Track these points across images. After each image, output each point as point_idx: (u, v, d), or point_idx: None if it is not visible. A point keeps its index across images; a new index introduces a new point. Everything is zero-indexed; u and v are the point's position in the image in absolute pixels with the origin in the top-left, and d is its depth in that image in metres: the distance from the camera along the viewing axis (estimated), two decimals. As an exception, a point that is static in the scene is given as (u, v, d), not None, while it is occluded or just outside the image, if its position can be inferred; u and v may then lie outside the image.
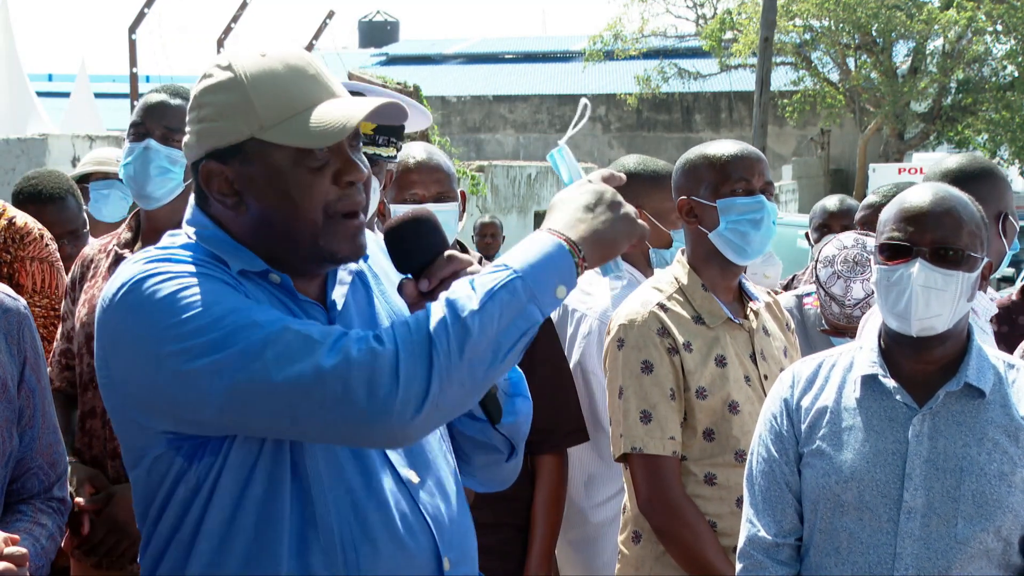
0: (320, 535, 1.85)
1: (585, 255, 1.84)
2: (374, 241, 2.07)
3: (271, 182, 1.86)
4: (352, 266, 2.02)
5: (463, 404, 1.80)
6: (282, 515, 1.85)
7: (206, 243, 1.91)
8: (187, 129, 1.93)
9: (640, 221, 1.93)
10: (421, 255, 1.92)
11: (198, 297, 1.78)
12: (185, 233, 1.95)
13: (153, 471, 1.89)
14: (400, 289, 1.94)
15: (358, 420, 1.72)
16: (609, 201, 1.90)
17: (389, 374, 1.70)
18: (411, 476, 1.95)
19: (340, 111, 1.85)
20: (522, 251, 1.83)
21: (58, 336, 3.34)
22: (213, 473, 1.85)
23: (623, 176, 1.98)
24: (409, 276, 1.94)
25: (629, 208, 1.92)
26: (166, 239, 1.96)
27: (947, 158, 3.16)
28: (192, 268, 1.83)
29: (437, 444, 2.04)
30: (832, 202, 5.34)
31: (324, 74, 1.91)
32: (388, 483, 1.91)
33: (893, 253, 2.43)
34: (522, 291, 1.78)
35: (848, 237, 3.76)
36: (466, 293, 1.76)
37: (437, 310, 1.75)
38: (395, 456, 1.95)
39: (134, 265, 1.86)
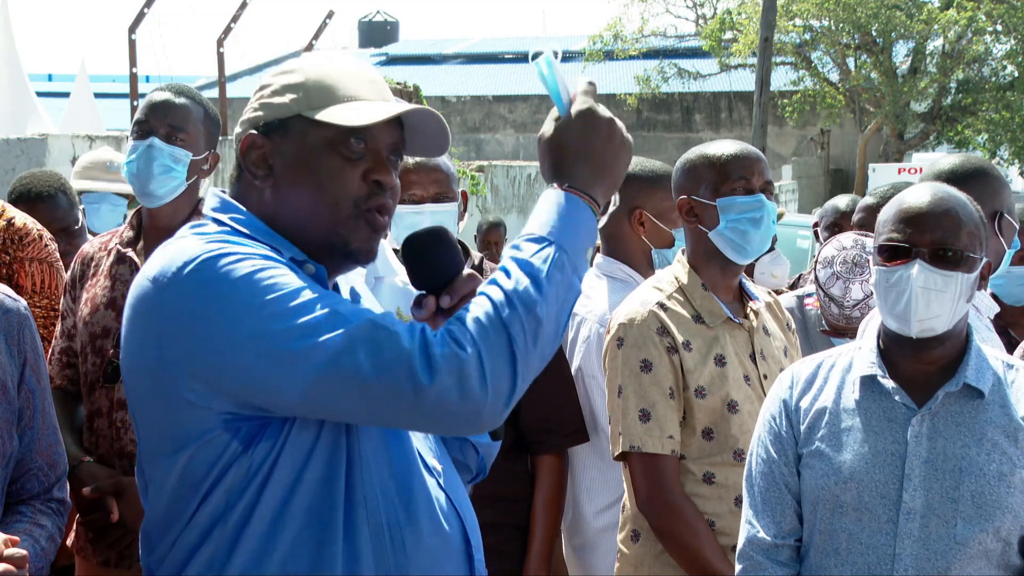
0: (368, 516, 1.87)
1: (603, 208, 1.90)
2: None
3: (303, 160, 1.92)
4: (351, 275, 2.06)
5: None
6: (337, 498, 1.85)
7: (249, 230, 1.92)
8: (248, 107, 2.00)
9: (628, 137, 1.95)
10: (442, 272, 1.94)
11: (278, 280, 1.78)
12: (215, 220, 1.95)
13: (199, 457, 1.85)
14: (418, 303, 1.95)
15: (450, 420, 1.77)
16: (610, 133, 1.91)
17: (478, 379, 1.74)
18: (436, 464, 1.99)
19: (383, 106, 1.94)
20: (554, 216, 1.85)
21: (57, 334, 3.35)
22: (271, 457, 1.84)
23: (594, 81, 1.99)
24: (423, 292, 1.95)
25: (623, 131, 1.94)
26: (186, 230, 1.94)
27: (941, 159, 3.15)
28: (259, 251, 1.84)
29: (438, 440, 2.07)
30: (843, 201, 5.31)
31: (382, 83, 2.00)
32: (423, 470, 1.96)
33: (892, 254, 2.42)
34: (568, 267, 1.82)
35: (847, 238, 3.76)
36: (525, 281, 1.79)
37: (503, 303, 1.77)
38: (420, 445, 1.98)
39: (194, 243, 1.85)
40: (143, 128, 3.22)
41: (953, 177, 2.93)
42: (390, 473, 1.90)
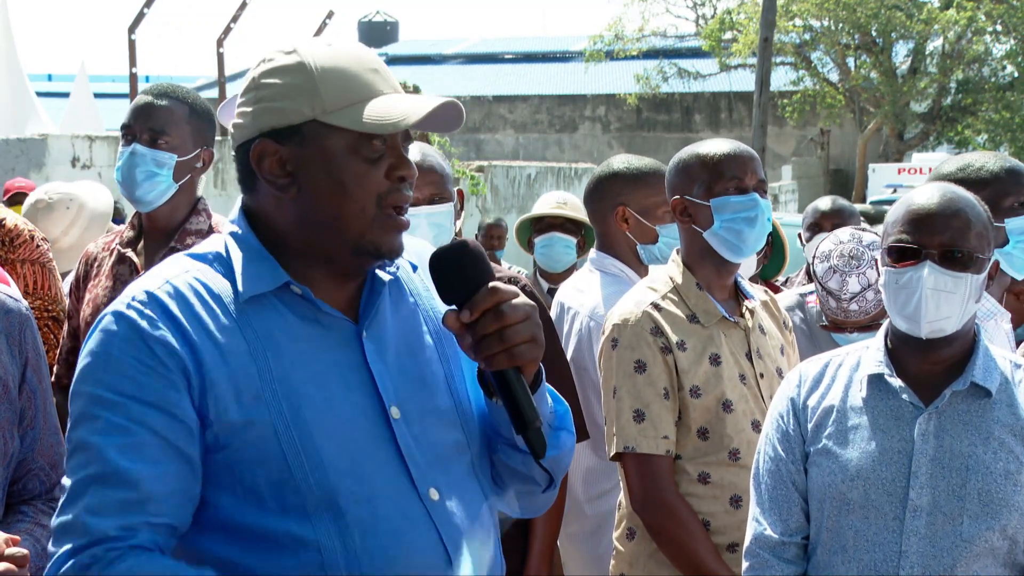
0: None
1: None
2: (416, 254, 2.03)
3: (326, 167, 1.83)
4: (391, 268, 1.97)
5: None
6: None
7: (236, 251, 1.87)
8: (239, 111, 1.89)
9: None
10: (463, 286, 1.87)
11: (103, 378, 1.78)
12: (226, 234, 1.91)
13: None
14: (444, 321, 1.88)
15: None
16: None
17: None
18: (432, 494, 1.88)
19: (403, 104, 1.84)
20: None
21: (64, 334, 3.36)
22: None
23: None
24: (454, 307, 1.88)
25: None
26: (198, 247, 1.93)
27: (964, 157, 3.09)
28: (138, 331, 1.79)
29: (464, 464, 1.96)
30: (824, 202, 5.51)
31: (385, 71, 1.90)
32: (402, 494, 1.86)
33: (901, 255, 2.41)
34: None
35: (844, 232, 3.77)
36: None
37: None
38: (425, 469, 1.88)
39: (138, 286, 1.85)
40: (127, 134, 3.23)
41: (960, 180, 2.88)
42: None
